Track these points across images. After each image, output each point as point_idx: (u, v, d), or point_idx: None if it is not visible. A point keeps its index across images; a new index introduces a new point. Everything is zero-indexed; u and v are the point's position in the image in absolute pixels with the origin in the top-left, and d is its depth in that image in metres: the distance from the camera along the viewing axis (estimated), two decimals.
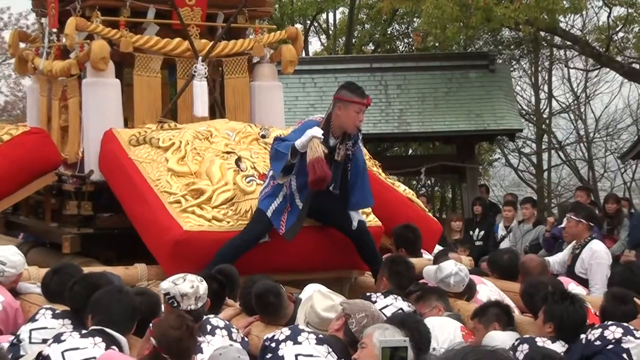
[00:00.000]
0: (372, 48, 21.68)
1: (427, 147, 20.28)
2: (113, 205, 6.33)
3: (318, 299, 4.37)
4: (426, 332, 3.91)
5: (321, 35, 24.13)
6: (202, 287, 4.22)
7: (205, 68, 6.61)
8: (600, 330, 4.01)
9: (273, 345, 3.84)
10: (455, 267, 5.13)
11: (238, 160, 5.61)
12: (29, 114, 7.75)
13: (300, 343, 3.82)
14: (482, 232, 11.26)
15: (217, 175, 5.61)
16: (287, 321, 4.50)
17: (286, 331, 3.91)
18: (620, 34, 19.63)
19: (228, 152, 5.82)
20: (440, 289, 5.05)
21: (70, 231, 6.47)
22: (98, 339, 3.76)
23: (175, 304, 4.11)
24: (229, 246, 5.26)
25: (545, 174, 22.52)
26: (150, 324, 3.60)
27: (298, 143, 5.08)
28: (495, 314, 4.49)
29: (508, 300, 5.04)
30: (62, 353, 3.70)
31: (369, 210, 5.82)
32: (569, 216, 6.73)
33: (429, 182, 22.19)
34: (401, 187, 6.97)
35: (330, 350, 3.83)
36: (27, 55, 7.50)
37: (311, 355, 3.79)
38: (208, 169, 5.68)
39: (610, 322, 4.10)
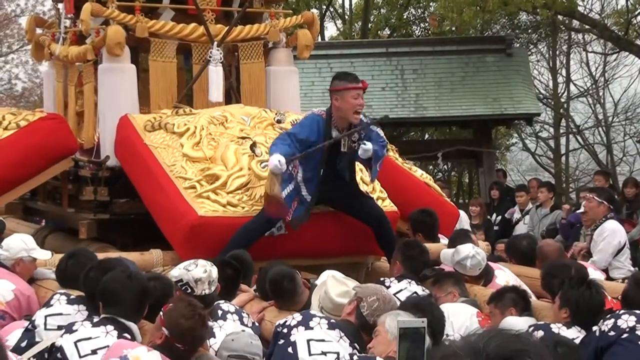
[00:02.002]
0: (388, 33, 21.58)
1: (443, 131, 20.19)
2: (129, 191, 6.34)
3: (332, 285, 4.37)
4: (440, 316, 3.89)
5: (337, 20, 24.03)
6: (214, 271, 4.22)
7: (221, 53, 6.59)
8: (613, 320, 3.95)
9: (285, 331, 3.84)
10: (473, 250, 5.11)
11: (253, 146, 5.61)
12: (46, 99, 7.78)
13: (312, 328, 3.82)
14: (500, 217, 11.22)
15: (232, 161, 5.61)
16: (302, 307, 4.50)
17: (298, 317, 3.90)
18: None
19: (243, 138, 5.81)
20: (457, 274, 5.03)
21: (86, 217, 6.50)
22: (110, 327, 3.75)
23: (189, 290, 4.09)
24: (242, 231, 5.27)
25: (563, 158, 22.35)
26: (161, 312, 3.57)
27: (271, 167, 5.09)
28: (512, 299, 4.46)
29: (524, 286, 5.02)
30: (75, 344, 3.69)
31: (384, 195, 5.80)
32: (590, 196, 6.77)
33: (445, 166, 22.11)
34: (418, 172, 6.95)
35: (342, 334, 3.82)
36: (44, 41, 7.52)
37: (323, 340, 3.78)
38: (223, 154, 5.68)
39: (622, 311, 4.04)
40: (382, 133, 5.54)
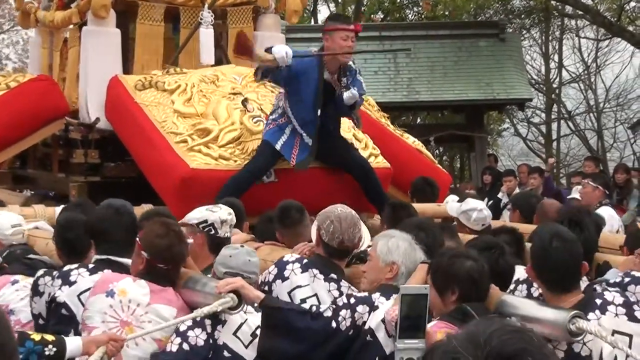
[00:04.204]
0: (382, 16, 21.55)
1: (436, 116, 20.21)
2: (120, 155, 6.31)
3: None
4: (439, 235, 3.81)
5: (330, 3, 23.97)
6: (233, 216, 4.20)
7: (212, 15, 6.56)
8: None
9: (266, 288, 3.76)
10: (482, 205, 5.09)
11: (245, 101, 5.58)
12: (31, 66, 7.76)
13: (288, 278, 3.73)
14: (491, 202, 11.21)
15: (224, 116, 5.59)
16: (304, 240, 4.41)
17: (273, 270, 3.81)
18: (632, 4, 19.47)
19: (235, 94, 5.78)
20: (453, 228, 4.98)
21: (77, 179, 6.46)
22: (107, 272, 3.63)
23: (213, 232, 3.98)
24: (233, 180, 5.23)
25: (554, 143, 22.42)
26: (137, 238, 3.50)
27: (275, 50, 5.11)
28: (504, 241, 4.36)
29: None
30: (78, 297, 3.57)
31: (377, 151, 5.78)
32: (586, 182, 6.73)
33: (437, 151, 22.11)
34: (410, 139, 6.93)
35: (316, 272, 3.72)
36: (30, 8, 7.50)
37: (299, 287, 3.68)
38: (214, 109, 5.65)
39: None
40: (364, 85, 5.49)
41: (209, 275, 3.67)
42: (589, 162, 10.91)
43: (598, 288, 3.36)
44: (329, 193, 5.48)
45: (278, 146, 5.25)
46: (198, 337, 3.22)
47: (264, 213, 4.73)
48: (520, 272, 4.16)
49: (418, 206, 5.31)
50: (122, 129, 6.08)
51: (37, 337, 3.02)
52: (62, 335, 3.19)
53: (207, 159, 5.35)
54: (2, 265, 4.33)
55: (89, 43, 6.44)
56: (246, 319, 3.28)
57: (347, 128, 5.69)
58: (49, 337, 3.06)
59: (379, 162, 5.71)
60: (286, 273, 3.75)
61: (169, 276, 3.46)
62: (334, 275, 3.71)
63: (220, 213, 4.05)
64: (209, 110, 5.67)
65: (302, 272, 3.72)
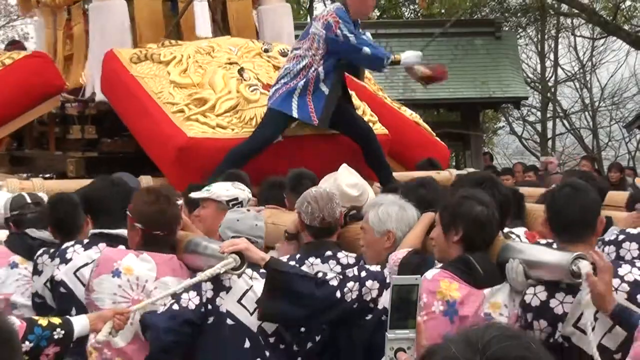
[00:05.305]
0: (378, 14, 21.57)
1: (431, 114, 20.18)
2: (117, 131, 6.29)
3: (343, 174, 4.26)
4: (440, 190, 3.78)
5: (327, 1, 23.99)
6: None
7: None
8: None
9: None
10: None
11: (241, 70, 5.56)
12: (37, 48, 7.70)
13: None
14: None
15: (220, 85, 5.56)
16: None
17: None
18: (628, 3, 19.60)
19: (230, 64, 5.76)
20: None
21: (74, 155, 6.43)
22: (102, 245, 3.60)
23: (239, 207, 3.96)
24: (237, 150, 5.21)
25: (550, 142, 22.45)
26: (127, 212, 3.45)
27: (405, 61, 5.39)
28: None
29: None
30: (75, 274, 3.56)
31: (375, 118, 5.77)
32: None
33: None
34: (407, 112, 6.92)
35: (312, 260, 3.65)
36: None
37: None
38: (211, 79, 5.63)
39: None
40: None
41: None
42: (585, 162, 10.99)
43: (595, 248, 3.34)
44: (330, 159, 5.45)
45: (294, 113, 5.20)
46: (191, 300, 3.20)
47: (269, 179, 4.70)
48: (520, 232, 4.17)
49: (416, 174, 5.29)
50: (118, 102, 6.05)
51: (44, 322, 3.00)
52: (68, 317, 3.18)
53: (205, 128, 5.33)
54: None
55: (95, 18, 6.42)
56: (252, 285, 3.25)
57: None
58: (56, 320, 3.05)
59: (377, 129, 5.70)
60: None
61: (168, 242, 3.43)
62: (329, 253, 3.67)
63: (247, 192, 4.08)
64: (205, 80, 5.65)
65: (299, 267, 3.62)
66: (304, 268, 3.59)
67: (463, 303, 2.86)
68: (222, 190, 4.06)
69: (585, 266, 2.75)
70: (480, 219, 2.96)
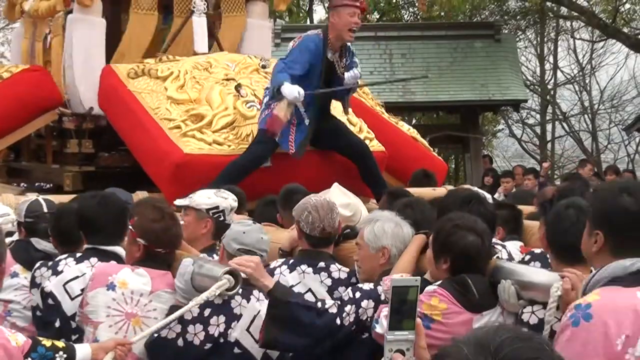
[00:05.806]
0: (377, 17, 21.57)
1: (431, 116, 20.22)
2: (114, 145, 6.29)
3: (335, 194, 4.25)
4: (429, 213, 3.74)
5: (326, 3, 23.99)
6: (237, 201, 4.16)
7: (205, 4, 6.55)
8: None
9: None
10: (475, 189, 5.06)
11: (238, 87, 5.56)
12: (12, 57, 7.74)
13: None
14: None
15: (217, 101, 5.57)
16: None
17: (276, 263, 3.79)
18: (627, 5, 19.58)
19: (228, 79, 5.77)
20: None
21: (71, 169, 6.44)
22: (94, 260, 3.62)
23: (222, 218, 3.93)
24: (231, 167, 5.20)
25: (549, 145, 22.45)
26: (130, 226, 3.43)
27: (286, 92, 5.03)
28: (502, 218, 4.26)
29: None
30: (64, 287, 3.59)
31: (372, 135, 5.76)
32: None
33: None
34: (405, 127, 6.92)
35: (304, 268, 3.65)
36: (16, 0, 7.48)
37: (292, 286, 3.57)
38: (208, 95, 5.64)
39: None
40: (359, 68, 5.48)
41: (214, 255, 3.66)
42: (587, 168, 11.01)
43: None
44: (325, 176, 5.46)
45: (276, 137, 5.19)
46: (196, 334, 3.20)
47: (265, 197, 4.70)
48: (515, 247, 4.16)
49: (415, 191, 5.27)
50: (115, 117, 6.06)
51: (48, 343, 2.99)
52: (71, 343, 3.17)
53: (201, 144, 5.33)
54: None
55: (74, 31, 6.41)
56: (259, 311, 3.26)
57: (340, 112, 5.66)
58: (59, 344, 3.04)
59: (373, 145, 5.70)
60: (275, 278, 3.68)
61: (167, 260, 3.43)
62: (322, 264, 3.66)
63: (230, 200, 4.01)
64: (202, 96, 5.66)
65: (290, 272, 3.66)
66: (295, 274, 3.61)
67: (437, 324, 2.87)
68: (203, 198, 4.01)
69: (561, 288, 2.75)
70: (468, 251, 2.97)
